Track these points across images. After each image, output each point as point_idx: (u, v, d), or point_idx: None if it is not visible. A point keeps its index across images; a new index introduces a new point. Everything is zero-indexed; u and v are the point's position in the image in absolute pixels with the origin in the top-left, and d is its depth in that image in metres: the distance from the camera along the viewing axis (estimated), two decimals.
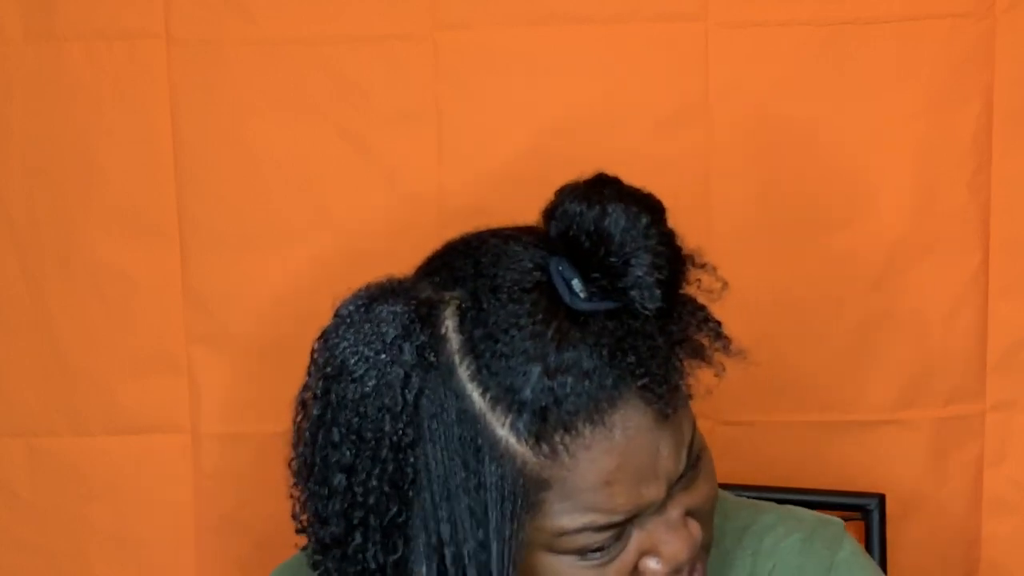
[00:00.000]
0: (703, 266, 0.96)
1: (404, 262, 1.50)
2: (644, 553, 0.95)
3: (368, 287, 0.96)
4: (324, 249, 1.51)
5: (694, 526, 0.96)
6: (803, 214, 1.50)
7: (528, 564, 0.95)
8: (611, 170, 1.56)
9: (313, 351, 0.95)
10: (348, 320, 0.93)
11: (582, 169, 1.50)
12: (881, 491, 1.50)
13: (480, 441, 0.90)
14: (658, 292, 0.90)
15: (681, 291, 0.94)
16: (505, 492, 0.91)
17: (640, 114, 1.49)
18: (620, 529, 0.93)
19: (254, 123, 1.51)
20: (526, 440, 0.90)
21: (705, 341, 0.95)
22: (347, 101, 1.50)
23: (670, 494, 0.94)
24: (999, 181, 1.49)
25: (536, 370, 0.89)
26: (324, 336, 0.95)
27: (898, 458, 1.53)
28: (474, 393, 0.91)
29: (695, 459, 0.96)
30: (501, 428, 0.90)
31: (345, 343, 0.93)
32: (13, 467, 1.56)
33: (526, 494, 0.91)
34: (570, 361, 0.89)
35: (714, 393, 1.52)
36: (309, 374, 0.96)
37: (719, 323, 0.96)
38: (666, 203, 1.54)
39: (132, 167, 1.51)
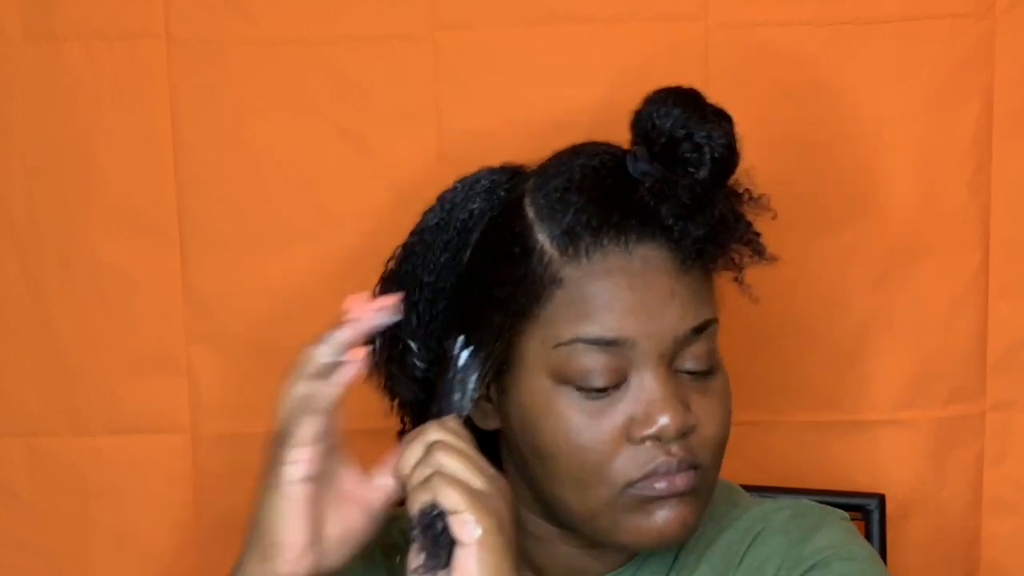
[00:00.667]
0: (759, 197, 1.08)
1: None
2: (636, 414, 1.01)
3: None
4: (324, 249, 1.51)
5: (691, 416, 1.01)
6: (803, 214, 1.50)
7: (532, 392, 1.03)
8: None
9: (438, 199, 1.12)
10: (459, 183, 1.11)
11: None
12: (881, 491, 1.50)
13: (519, 241, 1.03)
14: (708, 158, 1.01)
15: (729, 194, 1.05)
16: (525, 276, 1.02)
17: None
18: (615, 363, 1.00)
19: (254, 123, 1.51)
20: (557, 244, 1.02)
21: (741, 246, 1.06)
22: (347, 101, 1.50)
23: (679, 376, 1.01)
24: (999, 181, 1.49)
25: (584, 199, 1.02)
26: (439, 198, 1.12)
27: (898, 458, 1.53)
28: (528, 209, 1.04)
29: (710, 367, 1.04)
30: (540, 234, 1.03)
31: (446, 192, 1.11)
32: (13, 467, 1.56)
33: (538, 294, 1.02)
34: (614, 196, 1.01)
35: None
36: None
37: (758, 233, 1.07)
38: None
39: (132, 167, 1.51)
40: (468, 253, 1.07)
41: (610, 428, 1.01)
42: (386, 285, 1.13)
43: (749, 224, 1.06)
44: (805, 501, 1.13)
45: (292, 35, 1.49)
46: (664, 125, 1.03)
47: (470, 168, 1.50)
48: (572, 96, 1.49)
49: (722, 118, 1.04)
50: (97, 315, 1.53)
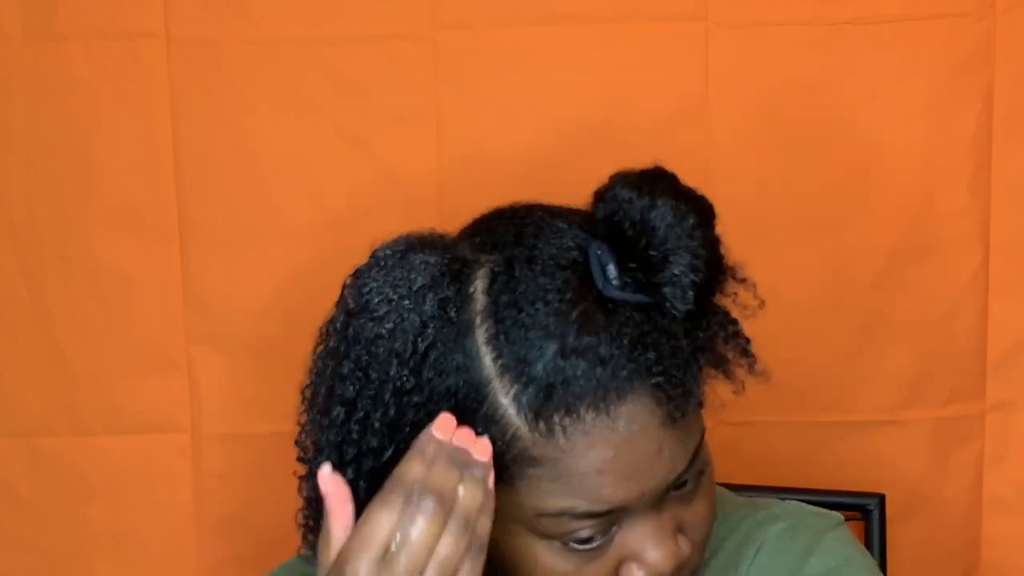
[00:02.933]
0: (743, 281, 0.96)
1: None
2: (627, 557, 0.93)
3: (409, 235, 0.96)
4: (324, 249, 1.51)
5: (684, 542, 0.94)
6: (803, 214, 1.50)
7: (512, 545, 0.94)
8: (611, 170, 1.57)
9: (343, 286, 0.96)
10: (381, 263, 0.94)
11: (582, 169, 1.51)
12: (881, 491, 1.50)
13: (477, 405, 0.90)
14: (691, 294, 0.89)
15: (715, 300, 0.93)
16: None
17: (640, 114, 1.49)
18: (605, 523, 0.92)
19: (254, 123, 1.51)
20: (525, 414, 0.89)
21: (730, 355, 0.94)
22: (347, 101, 1.50)
23: (664, 501, 0.93)
24: (999, 181, 1.49)
25: (552, 347, 0.88)
26: (356, 274, 0.95)
27: (898, 458, 1.53)
28: (486, 357, 0.90)
29: (697, 473, 0.95)
30: (504, 396, 0.90)
31: (374, 283, 0.93)
32: (13, 467, 1.56)
33: (506, 465, 0.90)
34: (588, 345, 0.88)
35: (714, 392, 1.53)
36: (335, 307, 0.96)
37: (748, 340, 0.95)
38: None
39: (132, 167, 1.51)
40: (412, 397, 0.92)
41: (602, 574, 0.94)
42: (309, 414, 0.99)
43: (737, 329, 0.95)
44: (797, 506, 1.10)
45: (292, 35, 1.49)
46: (639, 242, 0.89)
47: (471, 168, 1.50)
48: (572, 96, 1.49)
49: (702, 222, 0.91)
50: (97, 315, 1.53)
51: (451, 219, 1.51)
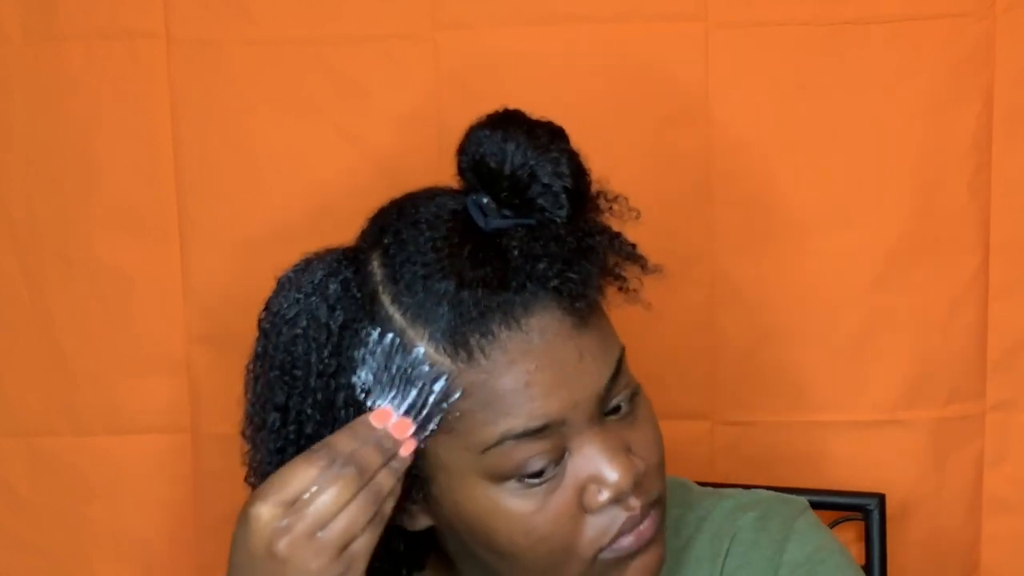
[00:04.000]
0: (615, 198, 1.00)
1: None
2: (584, 483, 0.95)
3: (305, 255, 1.01)
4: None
5: (636, 459, 0.96)
6: (802, 214, 1.50)
7: (470, 498, 0.96)
8: (611, 170, 1.57)
9: (258, 320, 1.00)
10: (285, 282, 1.00)
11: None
12: (881, 491, 1.50)
13: (399, 358, 0.94)
14: (563, 196, 0.94)
15: (592, 216, 0.97)
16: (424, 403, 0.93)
17: (640, 114, 1.49)
18: (550, 449, 0.94)
19: (254, 123, 1.50)
20: (444, 349, 0.93)
21: (618, 262, 0.98)
22: (347, 101, 1.50)
23: (605, 423, 0.96)
24: (999, 181, 1.49)
25: (451, 284, 0.93)
26: (266, 304, 1.00)
27: (898, 458, 1.53)
28: (395, 315, 0.94)
29: (631, 395, 0.98)
30: (420, 341, 0.94)
31: (281, 298, 0.99)
32: (13, 467, 1.56)
33: (439, 412, 0.93)
34: (484, 274, 0.93)
35: (714, 392, 1.53)
36: (254, 345, 1.01)
37: (633, 245, 0.99)
38: (666, 203, 1.55)
39: (132, 167, 1.51)
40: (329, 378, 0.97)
41: (564, 507, 0.95)
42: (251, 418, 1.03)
43: (619, 236, 0.99)
44: (761, 494, 1.12)
45: (292, 35, 1.49)
46: (503, 168, 0.95)
47: None
48: (572, 96, 1.49)
49: (557, 137, 0.97)
50: (97, 315, 1.53)
51: None
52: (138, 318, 1.53)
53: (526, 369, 0.93)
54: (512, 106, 1.49)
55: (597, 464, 0.95)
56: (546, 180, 0.94)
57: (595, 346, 0.95)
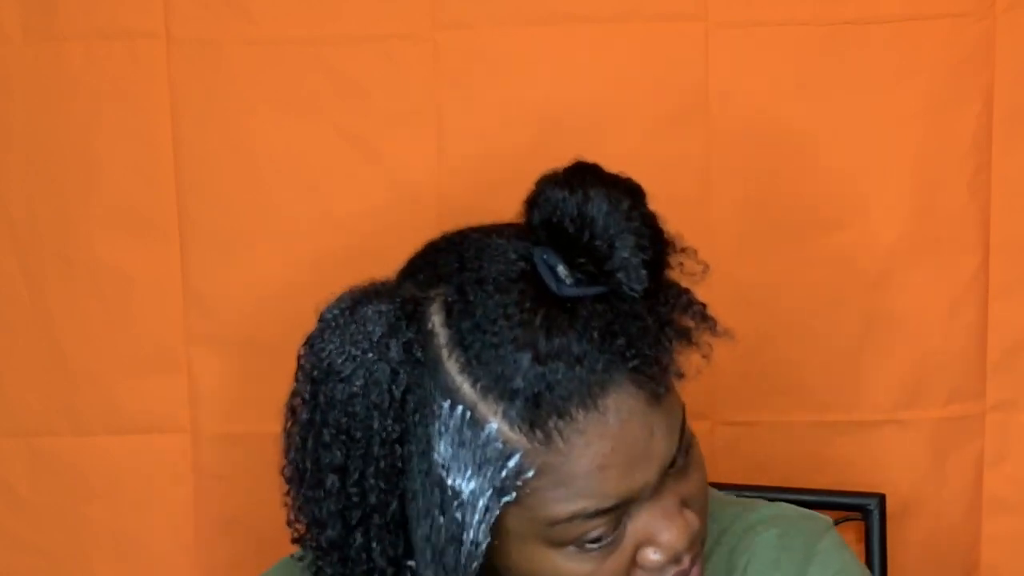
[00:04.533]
0: (683, 250, 0.96)
1: (404, 262, 1.50)
2: (641, 544, 0.94)
3: (351, 290, 0.96)
4: (324, 249, 1.51)
5: (690, 515, 0.96)
6: (803, 214, 1.50)
7: (528, 560, 0.94)
8: (612, 170, 1.57)
9: (299, 357, 0.96)
10: (333, 324, 0.94)
11: None
12: (881, 491, 1.50)
13: (470, 432, 0.90)
14: (644, 272, 0.90)
15: (665, 274, 0.94)
16: (494, 481, 0.91)
17: (640, 114, 1.49)
18: (614, 518, 0.93)
19: (254, 123, 1.51)
20: (520, 427, 0.90)
21: (691, 323, 0.95)
22: (347, 101, 1.50)
23: (663, 483, 0.94)
24: (999, 181, 1.49)
25: (526, 357, 0.89)
26: (309, 342, 0.95)
27: (898, 458, 1.53)
28: (464, 385, 0.91)
29: (687, 446, 0.96)
30: (493, 417, 0.90)
31: (331, 345, 0.93)
32: (13, 467, 1.56)
33: (517, 483, 0.91)
34: (560, 347, 0.89)
35: (714, 392, 1.53)
36: (297, 380, 0.96)
37: (704, 305, 0.96)
38: (666, 203, 1.54)
39: (132, 167, 1.51)
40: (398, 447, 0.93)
41: (619, 567, 0.94)
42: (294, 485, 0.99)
43: (692, 299, 0.96)
44: (784, 508, 1.10)
45: (292, 35, 1.49)
46: (581, 236, 0.90)
47: (471, 168, 1.50)
48: (572, 96, 1.49)
49: (638, 202, 0.92)
50: (97, 315, 1.53)
51: (451, 219, 1.51)
52: (138, 318, 1.53)
53: (602, 452, 0.90)
54: (512, 106, 1.50)
55: (655, 528, 0.94)
56: (626, 254, 0.90)
57: (665, 420, 0.93)
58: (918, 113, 1.48)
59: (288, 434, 0.97)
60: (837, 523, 1.47)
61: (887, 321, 1.51)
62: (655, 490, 0.94)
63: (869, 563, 1.49)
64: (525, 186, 1.51)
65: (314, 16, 1.48)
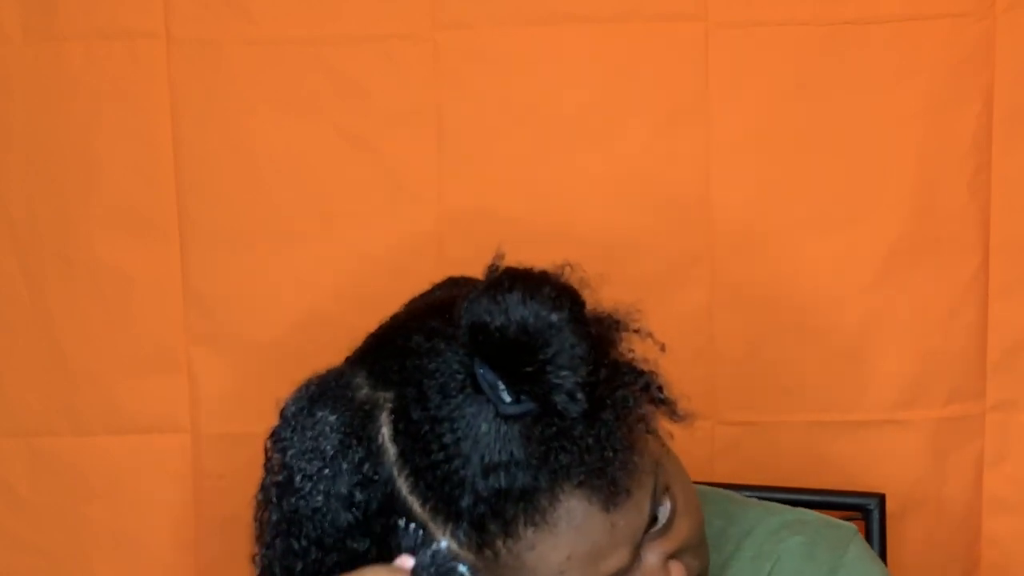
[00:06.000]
0: (637, 331, 0.93)
1: (404, 262, 1.50)
2: None
3: (309, 384, 0.95)
4: (324, 249, 1.51)
5: (676, 567, 0.93)
6: (803, 214, 1.50)
7: None
8: (611, 170, 1.57)
9: (265, 449, 0.96)
10: (292, 424, 0.94)
11: (582, 170, 1.51)
12: (881, 491, 1.50)
13: (428, 549, 0.89)
14: (580, 396, 0.86)
15: (615, 357, 0.91)
16: None
17: (640, 114, 1.49)
18: None
19: (254, 123, 1.50)
20: (468, 547, 0.89)
21: (649, 408, 0.92)
22: (347, 101, 1.50)
23: (644, 545, 0.92)
24: (999, 181, 1.49)
25: (470, 477, 0.87)
26: (273, 436, 0.95)
27: (898, 458, 1.53)
28: (415, 505, 0.90)
29: (670, 501, 0.93)
30: (443, 536, 0.89)
31: (292, 451, 0.93)
32: (13, 467, 1.56)
33: None
34: (502, 466, 0.87)
35: (714, 392, 1.53)
36: (264, 472, 0.96)
37: (660, 388, 0.92)
38: (666, 203, 1.55)
39: (132, 167, 1.51)
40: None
41: None
42: None
43: (649, 381, 0.92)
44: (809, 516, 1.09)
45: (292, 35, 1.49)
46: (513, 355, 0.86)
47: (471, 168, 1.51)
48: (572, 96, 1.49)
49: (565, 313, 0.87)
50: (97, 315, 1.53)
51: (451, 219, 1.52)
52: (138, 318, 1.53)
53: (557, 561, 0.89)
54: (512, 106, 1.50)
55: None
56: (558, 380, 0.86)
57: (629, 509, 0.90)
58: (918, 113, 1.48)
59: (259, 524, 0.97)
60: None
61: (887, 321, 1.51)
62: (634, 558, 0.91)
63: None
64: (525, 186, 1.51)
65: (314, 16, 1.48)
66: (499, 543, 0.88)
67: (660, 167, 1.49)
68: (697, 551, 0.96)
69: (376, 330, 0.98)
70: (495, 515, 0.87)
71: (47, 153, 1.52)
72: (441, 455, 0.88)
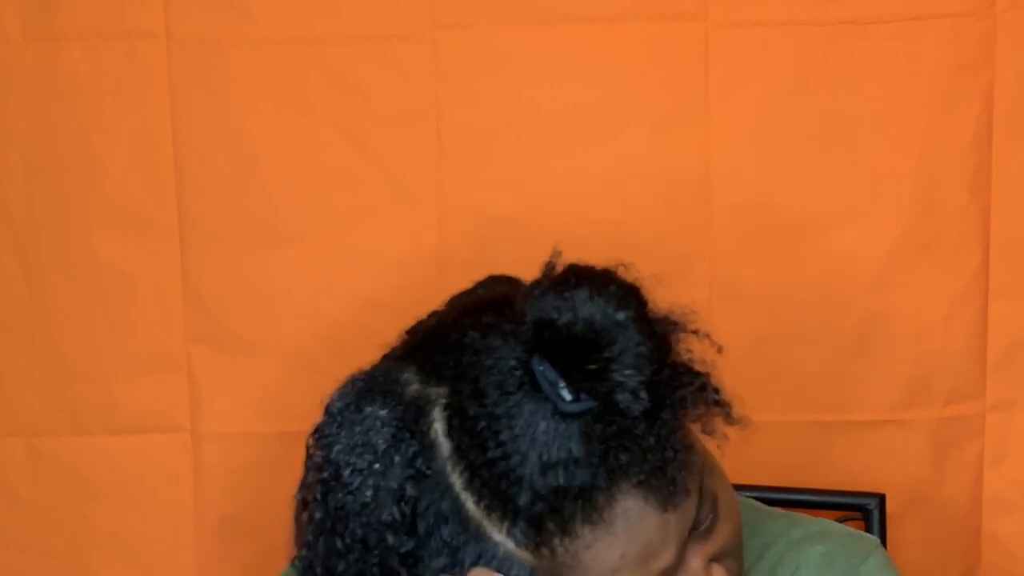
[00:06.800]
0: (695, 332, 0.93)
1: (404, 262, 1.50)
2: None
3: (355, 381, 0.94)
4: (324, 249, 1.51)
5: (718, 570, 0.93)
6: (803, 214, 1.50)
7: None
8: (611, 170, 1.57)
9: (308, 447, 0.94)
10: (339, 419, 0.92)
11: (582, 169, 1.51)
12: (881, 491, 1.50)
13: (478, 547, 0.89)
14: (644, 395, 0.86)
15: (674, 359, 0.90)
16: None
17: (640, 114, 1.49)
18: None
19: (254, 123, 1.50)
20: (525, 546, 0.88)
21: (704, 410, 0.92)
22: (347, 101, 1.50)
23: (687, 547, 0.92)
24: (999, 181, 1.49)
25: (527, 475, 0.86)
26: (317, 433, 0.93)
27: (898, 458, 1.53)
28: (468, 502, 0.89)
29: (711, 503, 0.94)
30: (498, 535, 0.89)
31: (338, 446, 0.91)
32: (13, 467, 1.56)
33: None
34: (561, 464, 0.86)
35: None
36: (306, 470, 0.95)
37: (717, 390, 0.93)
38: (666, 203, 1.55)
39: (132, 167, 1.51)
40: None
41: None
42: None
43: (706, 383, 0.93)
44: (831, 526, 1.09)
45: (292, 35, 1.49)
46: (576, 351, 0.86)
47: (471, 168, 1.51)
48: (572, 96, 1.49)
49: (631, 311, 0.88)
50: (97, 315, 1.53)
51: (451, 219, 1.52)
52: (138, 318, 1.53)
53: (612, 560, 0.88)
54: (512, 106, 1.50)
55: None
56: (622, 377, 0.86)
57: (683, 509, 0.90)
58: (918, 113, 1.48)
59: (299, 525, 0.96)
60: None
61: (887, 321, 1.51)
62: (680, 559, 0.91)
63: None
64: (525, 186, 1.51)
65: (314, 16, 1.48)
66: (556, 541, 0.87)
67: (660, 167, 1.49)
68: (737, 554, 0.96)
69: (419, 326, 0.97)
70: (553, 513, 0.87)
71: (47, 153, 1.52)
72: (498, 452, 0.87)
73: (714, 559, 0.94)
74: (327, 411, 0.93)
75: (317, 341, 1.51)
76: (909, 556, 1.54)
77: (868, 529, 1.48)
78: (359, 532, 0.91)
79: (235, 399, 1.54)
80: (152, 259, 1.52)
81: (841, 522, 1.46)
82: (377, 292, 1.51)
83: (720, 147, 1.49)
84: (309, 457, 0.94)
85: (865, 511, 1.49)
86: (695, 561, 0.92)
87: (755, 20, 1.47)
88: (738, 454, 1.53)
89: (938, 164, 1.49)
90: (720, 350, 0.94)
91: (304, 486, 0.95)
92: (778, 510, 1.11)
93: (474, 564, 0.89)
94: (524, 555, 0.89)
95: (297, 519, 0.96)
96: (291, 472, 1.47)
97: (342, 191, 1.51)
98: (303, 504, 0.95)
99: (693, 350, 0.93)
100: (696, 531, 0.92)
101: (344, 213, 1.51)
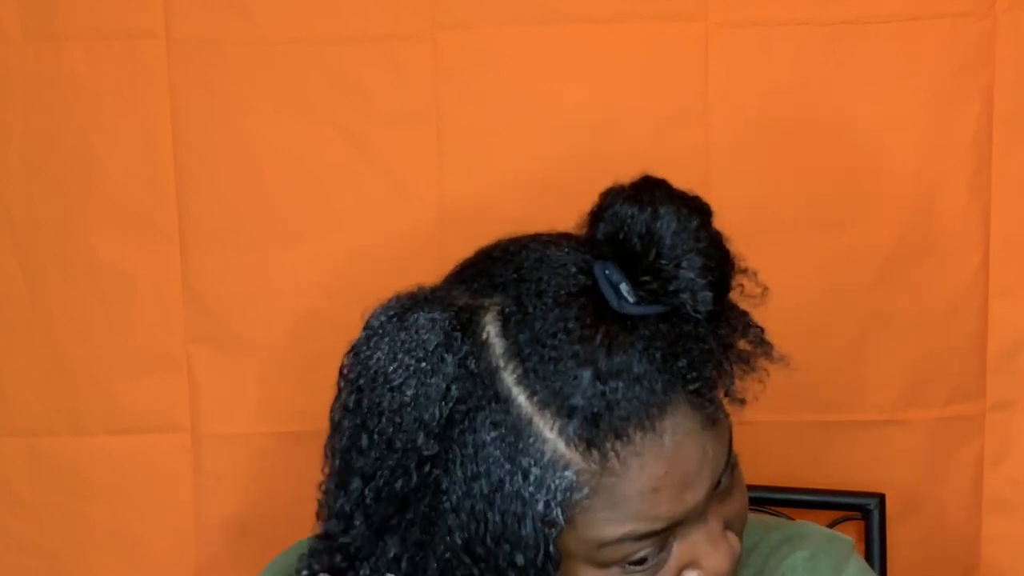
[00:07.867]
0: (745, 271, 0.95)
1: (404, 262, 1.50)
2: (685, 566, 0.93)
3: (398, 297, 0.93)
4: (324, 249, 1.51)
5: (733, 538, 0.94)
6: (803, 214, 1.50)
7: (574, 573, 0.92)
8: (611, 170, 1.57)
9: (343, 367, 0.93)
10: (380, 331, 0.91)
11: (582, 169, 1.51)
12: (881, 491, 1.50)
13: (522, 446, 0.88)
14: (710, 295, 0.88)
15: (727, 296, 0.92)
16: (547, 500, 0.88)
17: (640, 114, 1.49)
18: (661, 539, 0.91)
19: (254, 123, 1.51)
20: (576, 446, 0.88)
21: (748, 347, 0.94)
22: (347, 101, 1.50)
23: (708, 504, 0.93)
24: (999, 181, 1.49)
25: (586, 375, 0.87)
26: (354, 350, 0.92)
27: (898, 458, 1.53)
28: (520, 396, 0.88)
29: (732, 467, 0.95)
30: (550, 432, 0.88)
31: (379, 353, 0.90)
32: (13, 467, 1.56)
33: (569, 503, 0.88)
34: (621, 366, 0.87)
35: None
36: (339, 389, 0.93)
37: (761, 329, 0.95)
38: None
39: (132, 167, 1.51)
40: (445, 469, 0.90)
41: None
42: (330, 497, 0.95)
43: (750, 322, 0.96)
44: (809, 528, 1.10)
45: (292, 35, 1.49)
46: (648, 254, 0.88)
47: (471, 168, 1.51)
48: (572, 96, 1.49)
49: (705, 223, 0.91)
50: (97, 315, 1.53)
51: (451, 219, 1.52)
52: (138, 318, 1.53)
53: (656, 475, 0.89)
54: (512, 106, 1.50)
55: (701, 552, 0.93)
56: (692, 275, 0.88)
57: (717, 440, 0.92)
58: (918, 113, 1.48)
59: (330, 445, 0.94)
60: (837, 523, 1.48)
61: (887, 321, 1.51)
62: (701, 512, 0.92)
63: (869, 563, 1.49)
64: (525, 186, 1.51)
65: (314, 16, 1.48)
66: (608, 444, 0.87)
67: (660, 167, 1.49)
68: (740, 531, 0.97)
69: (465, 260, 0.97)
70: (608, 414, 0.87)
71: (47, 153, 1.52)
72: (556, 352, 0.87)
73: (727, 527, 0.95)
74: (367, 326, 0.92)
75: (317, 341, 1.51)
76: (909, 556, 1.54)
77: (868, 529, 1.48)
78: (389, 431, 0.89)
79: (235, 399, 1.54)
80: (152, 259, 1.52)
81: (841, 522, 1.47)
82: (377, 292, 1.50)
83: (720, 147, 1.49)
84: (343, 376, 0.93)
85: (865, 511, 1.49)
86: (714, 522, 0.93)
87: (755, 20, 1.47)
88: (739, 454, 1.54)
89: (938, 164, 1.49)
90: (765, 291, 0.96)
91: (336, 402, 0.93)
92: (754, 515, 1.11)
93: (510, 467, 0.88)
94: (573, 456, 0.88)
95: (328, 440, 0.94)
96: (291, 472, 1.48)
97: (342, 191, 1.51)
98: (334, 423, 0.94)
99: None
100: (717, 490, 0.93)
101: (344, 213, 1.51)
